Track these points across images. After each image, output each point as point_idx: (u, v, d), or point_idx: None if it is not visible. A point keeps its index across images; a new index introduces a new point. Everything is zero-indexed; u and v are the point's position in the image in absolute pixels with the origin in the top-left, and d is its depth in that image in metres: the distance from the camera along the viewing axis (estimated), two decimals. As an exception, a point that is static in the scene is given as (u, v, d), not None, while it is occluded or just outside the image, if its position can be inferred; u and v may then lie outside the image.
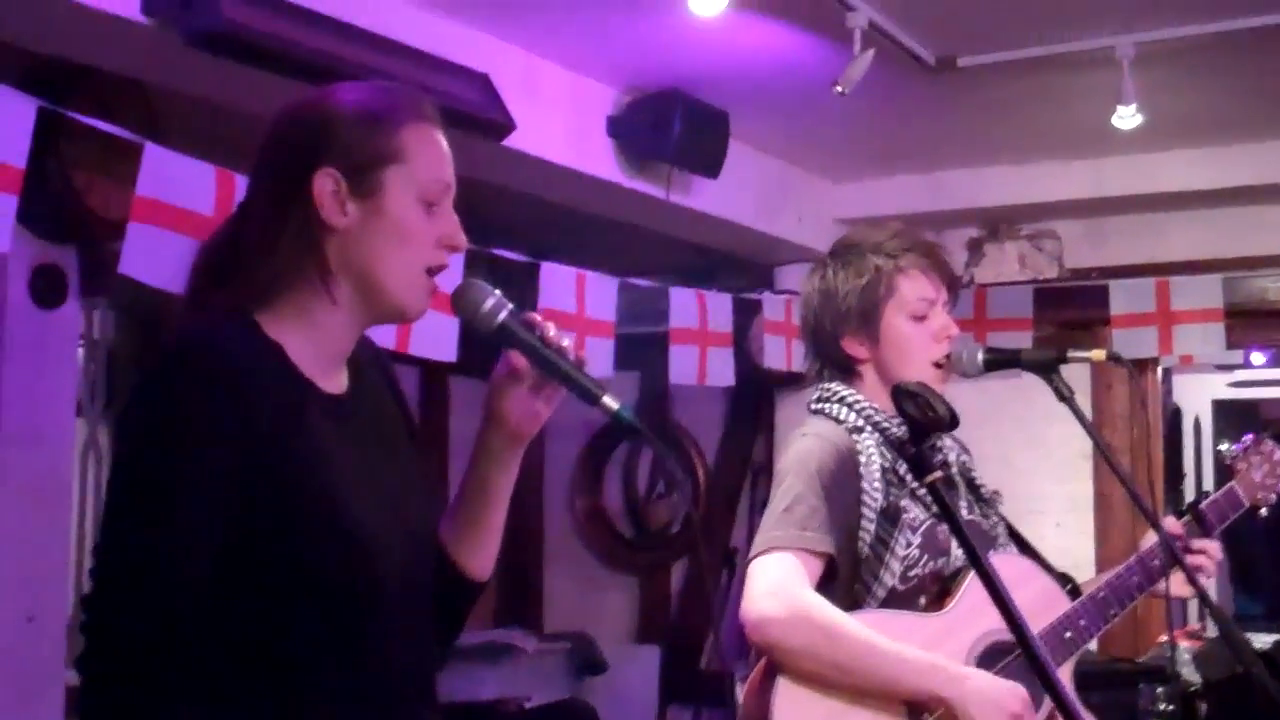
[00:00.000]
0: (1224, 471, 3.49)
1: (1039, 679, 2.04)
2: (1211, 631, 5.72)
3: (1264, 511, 3.44)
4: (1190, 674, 5.03)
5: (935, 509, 3.02)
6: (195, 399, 1.95)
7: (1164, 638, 5.29)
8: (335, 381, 2.16)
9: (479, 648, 6.44)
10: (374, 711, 2.07)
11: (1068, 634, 3.07)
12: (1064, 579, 3.21)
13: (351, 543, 2.02)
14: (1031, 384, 3.31)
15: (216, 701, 1.96)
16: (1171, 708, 3.81)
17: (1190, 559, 3.17)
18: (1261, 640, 5.09)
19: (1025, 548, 3.26)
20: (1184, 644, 5.36)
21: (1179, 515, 3.32)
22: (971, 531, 2.57)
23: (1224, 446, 3.51)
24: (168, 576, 1.91)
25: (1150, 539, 3.24)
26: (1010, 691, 2.87)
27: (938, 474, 2.15)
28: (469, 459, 2.29)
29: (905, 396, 2.15)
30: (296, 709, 2.01)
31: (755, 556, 2.94)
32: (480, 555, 2.32)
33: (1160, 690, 3.82)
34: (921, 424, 2.14)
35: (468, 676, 6.27)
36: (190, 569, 1.93)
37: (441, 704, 2.24)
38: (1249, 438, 3.51)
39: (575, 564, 7.87)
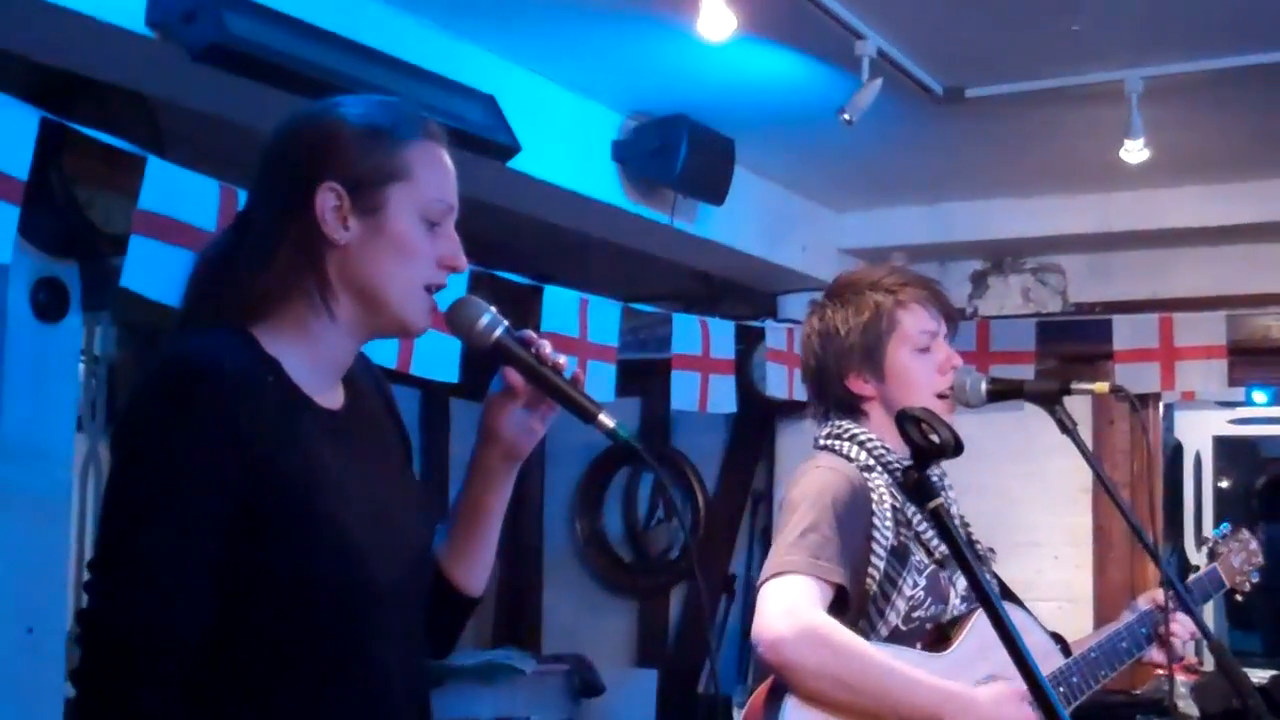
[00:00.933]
0: (1222, 506, 3.63)
1: (1045, 716, 2.02)
2: (1209, 666, 5.71)
3: (1239, 597, 3.64)
4: (1188, 707, 5.01)
5: (938, 555, 3.04)
6: (190, 413, 1.94)
7: (1161, 671, 5.27)
8: (332, 397, 2.15)
9: (477, 668, 6.43)
10: None
11: (1061, 689, 3.06)
12: (1055, 637, 3.21)
13: (346, 556, 2.02)
14: (1032, 418, 3.30)
15: (212, 714, 1.96)
16: (1168, 740, 3.83)
17: (1170, 628, 3.25)
18: (1258, 675, 5.07)
19: (1018, 605, 3.24)
20: (1181, 678, 5.34)
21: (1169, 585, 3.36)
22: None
23: (1216, 500, 3.66)
24: (163, 590, 1.91)
25: (1139, 604, 3.32)
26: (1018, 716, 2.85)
27: (940, 500, 2.13)
28: (465, 477, 2.29)
29: (909, 421, 2.13)
30: (292, 716, 2.00)
31: (767, 579, 2.91)
32: (475, 571, 2.32)
33: (1158, 723, 3.83)
34: (925, 449, 2.12)
35: (465, 696, 6.27)
36: (186, 583, 1.92)
37: (437, 723, 2.25)
38: (1226, 526, 3.68)
39: (574, 587, 7.86)
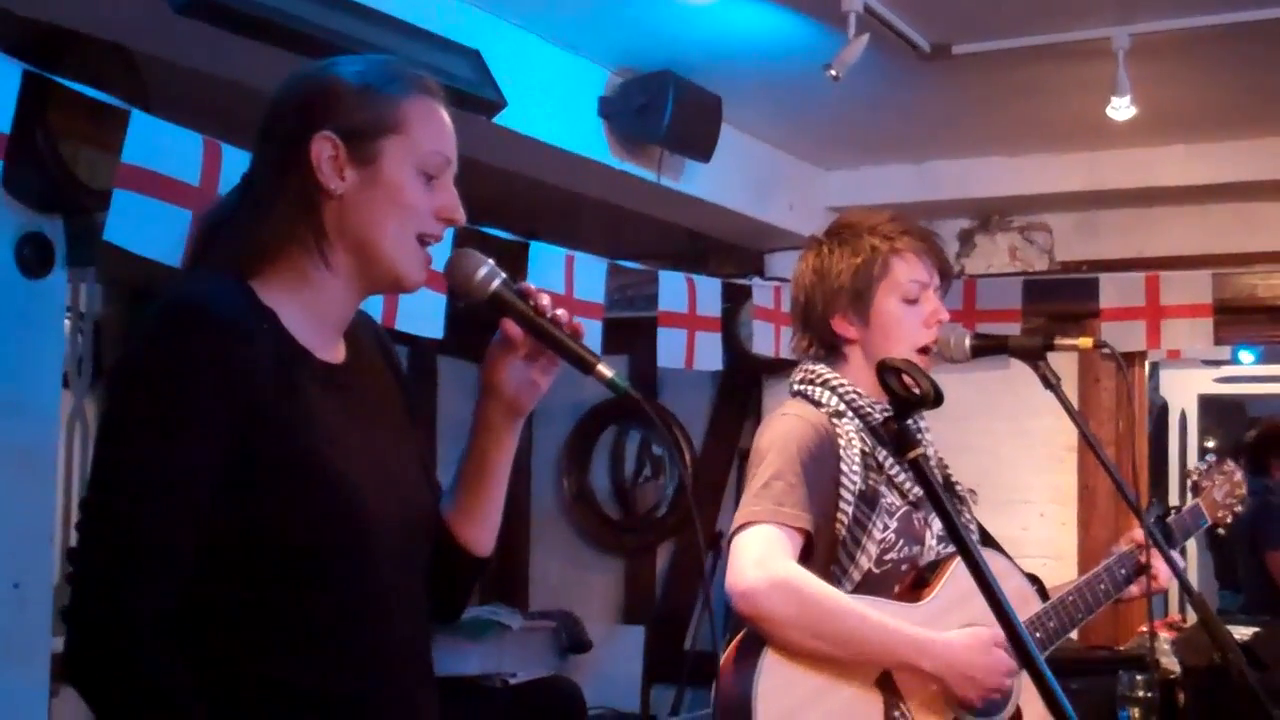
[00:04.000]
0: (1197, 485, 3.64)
1: (1022, 664, 2.03)
2: (1191, 621, 5.73)
3: (1221, 531, 3.64)
4: (1170, 662, 5.03)
5: (912, 497, 3.06)
6: (184, 354, 1.96)
7: (1144, 628, 5.30)
8: (332, 352, 2.17)
9: (464, 623, 6.43)
10: (371, 680, 2.07)
11: (1038, 634, 3.10)
12: (1031, 579, 3.22)
13: (344, 505, 2.03)
14: (1019, 376, 3.31)
15: (206, 657, 1.96)
16: (1151, 695, 3.84)
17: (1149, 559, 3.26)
18: (1241, 632, 5.10)
19: (997, 550, 3.26)
20: (1163, 633, 5.37)
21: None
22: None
23: (1201, 458, 3.68)
24: (155, 527, 1.91)
25: (1119, 546, 3.33)
26: (989, 666, 2.89)
27: (920, 450, 2.14)
28: (469, 434, 2.30)
29: (890, 372, 2.14)
30: (290, 670, 2.01)
31: (736, 531, 2.95)
32: (482, 530, 2.33)
33: (1140, 678, 3.84)
34: (905, 399, 2.13)
35: (452, 651, 6.26)
36: (178, 521, 1.93)
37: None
38: (1212, 458, 3.71)
39: (562, 544, 7.87)
